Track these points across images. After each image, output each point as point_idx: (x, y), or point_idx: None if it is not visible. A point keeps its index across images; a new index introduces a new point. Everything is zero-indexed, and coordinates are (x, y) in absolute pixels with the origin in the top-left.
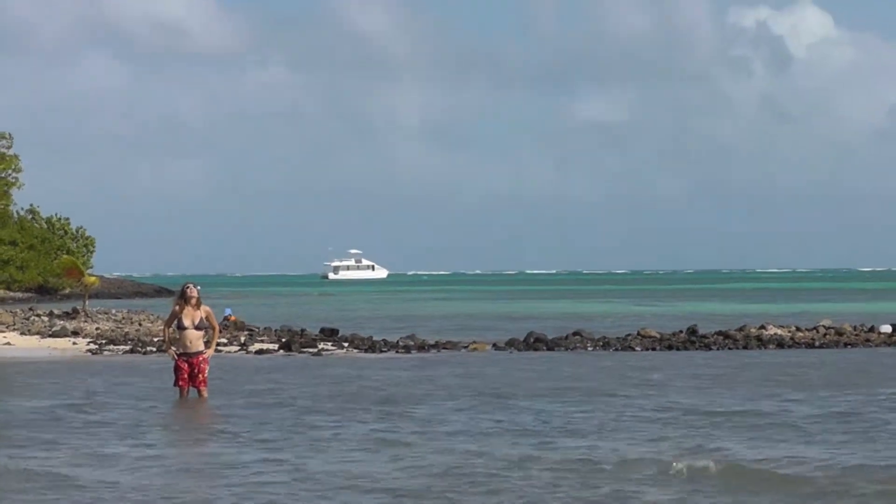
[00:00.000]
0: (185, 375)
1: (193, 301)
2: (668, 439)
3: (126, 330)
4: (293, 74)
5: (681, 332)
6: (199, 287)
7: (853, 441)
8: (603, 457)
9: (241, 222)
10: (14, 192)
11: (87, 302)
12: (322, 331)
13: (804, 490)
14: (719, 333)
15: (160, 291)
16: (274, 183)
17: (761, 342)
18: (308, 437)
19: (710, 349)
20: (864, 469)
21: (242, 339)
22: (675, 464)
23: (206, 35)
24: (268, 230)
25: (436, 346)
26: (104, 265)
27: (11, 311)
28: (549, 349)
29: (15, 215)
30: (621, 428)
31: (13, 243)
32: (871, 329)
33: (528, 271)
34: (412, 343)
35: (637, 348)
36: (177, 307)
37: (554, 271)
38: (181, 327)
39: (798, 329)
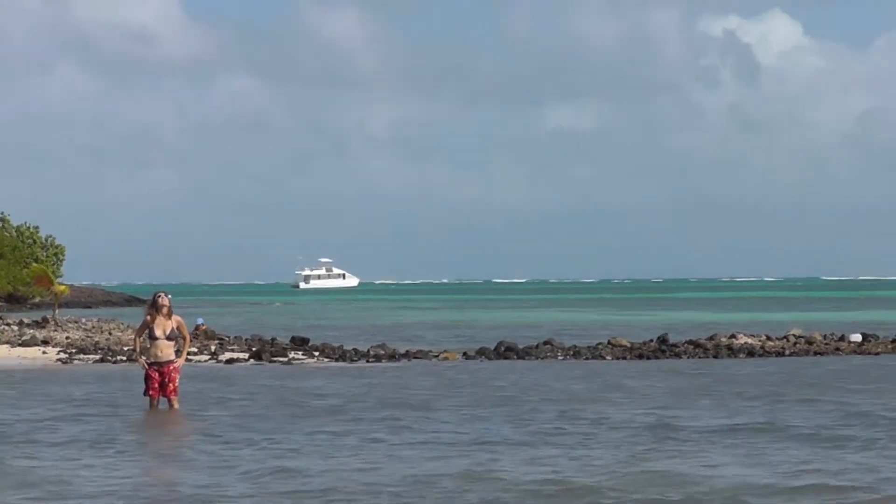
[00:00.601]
0: (156, 385)
1: (165, 310)
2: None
3: (96, 339)
4: (263, 85)
5: (651, 341)
6: (169, 296)
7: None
8: (513, 471)
9: (211, 232)
10: None
11: (56, 311)
12: (293, 340)
13: None
14: (690, 342)
15: (130, 301)
16: (244, 193)
17: (732, 351)
18: (278, 449)
19: (681, 358)
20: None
21: (213, 348)
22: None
23: (175, 46)
24: (238, 240)
25: (406, 355)
26: (73, 274)
27: None
28: (519, 358)
29: None
30: (556, 441)
31: None
32: (842, 338)
33: (496, 280)
34: (383, 352)
35: (608, 357)
36: (148, 317)
37: (523, 280)
38: (152, 337)
39: (768, 338)
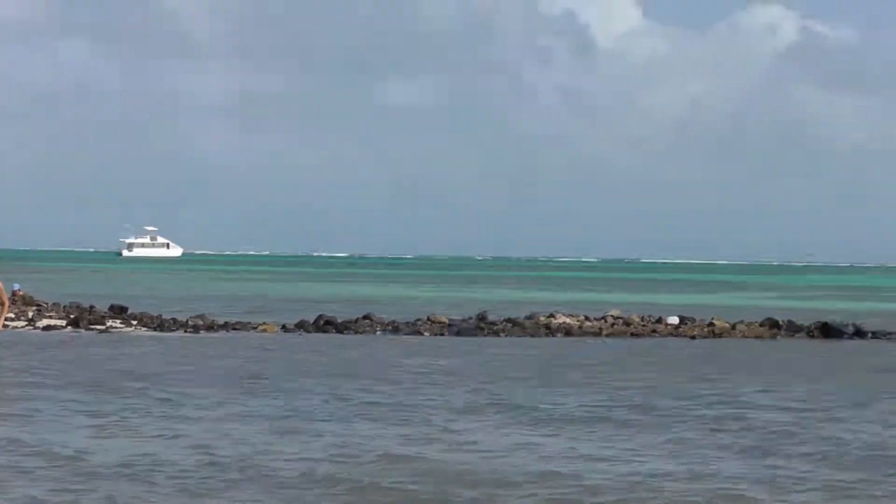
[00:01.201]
0: None
1: None
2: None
3: None
4: (92, 49)
5: (471, 318)
6: None
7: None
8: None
9: (33, 197)
10: None
11: None
12: (111, 308)
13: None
14: (508, 321)
15: None
16: (69, 157)
17: (550, 330)
18: (93, 419)
19: (499, 336)
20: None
21: (30, 314)
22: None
23: (3, 6)
24: (61, 206)
25: (225, 326)
26: None
27: None
28: (338, 332)
29: None
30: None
31: None
32: (659, 320)
33: (321, 254)
34: (202, 323)
35: (426, 333)
36: None
37: (345, 254)
38: None
39: (587, 318)
